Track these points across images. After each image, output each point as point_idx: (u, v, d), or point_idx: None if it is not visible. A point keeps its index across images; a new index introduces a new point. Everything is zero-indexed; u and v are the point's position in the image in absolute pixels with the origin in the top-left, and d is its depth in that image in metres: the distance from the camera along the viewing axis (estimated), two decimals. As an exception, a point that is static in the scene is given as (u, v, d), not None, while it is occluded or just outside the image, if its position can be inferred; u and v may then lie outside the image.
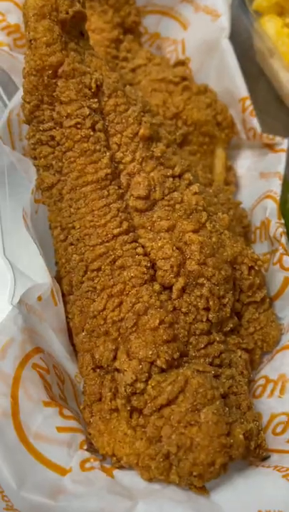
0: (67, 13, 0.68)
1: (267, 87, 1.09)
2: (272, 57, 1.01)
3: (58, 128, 0.71)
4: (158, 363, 0.60)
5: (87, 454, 0.60)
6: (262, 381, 0.73)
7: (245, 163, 0.97)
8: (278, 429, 0.68)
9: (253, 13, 1.03)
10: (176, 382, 0.59)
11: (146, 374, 0.60)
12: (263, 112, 1.01)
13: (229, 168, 0.95)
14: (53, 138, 0.72)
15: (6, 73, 0.88)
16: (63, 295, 0.73)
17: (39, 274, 0.75)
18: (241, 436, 0.56)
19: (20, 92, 0.73)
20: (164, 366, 0.60)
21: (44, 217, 0.79)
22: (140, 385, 0.59)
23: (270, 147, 0.92)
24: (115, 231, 0.67)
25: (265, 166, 0.92)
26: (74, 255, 0.70)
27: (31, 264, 0.76)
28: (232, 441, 0.55)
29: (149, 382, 0.59)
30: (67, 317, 0.73)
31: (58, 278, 0.75)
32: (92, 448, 0.63)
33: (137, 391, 0.60)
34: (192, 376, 0.59)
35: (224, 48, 0.93)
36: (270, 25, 1.00)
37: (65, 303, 0.73)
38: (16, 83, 0.89)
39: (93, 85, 0.70)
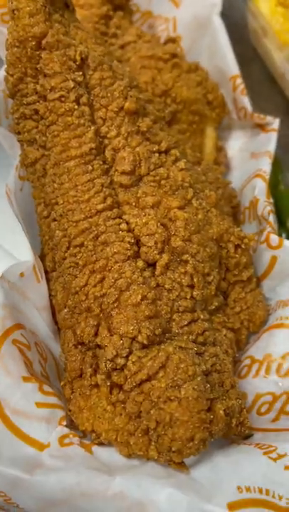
0: None
1: (260, 68, 1.08)
2: (265, 36, 0.99)
3: (41, 101, 0.69)
4: (139, 338, 0.59)
5: (66, 430, 0.59)
6: (247, 361, 0.72)
7: (236, 144, 0.96)
8: (263, 409, 0.67)
9: (247, -9, 1.01)
10: (156, 357, 0.58)
11: (127, 350, 0.59)
12: (256, 93, 1.00)
13: (220, 149, 0.94)
14: (36, 112, 0.70)
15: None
16: (46, 272, 0.72)
17: (23, 252, 0.74)
18: (222, 412, 0.55)
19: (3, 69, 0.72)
20: (145, 342, 0.59)
21: (29, 195, 0.78)
22: (121, 361, 0.58)
23: (262, 127, 0.91)
24: (99, 206, 0.66)
25: (256, 147, 0.90)
26: (57, 231, 0.68)
27: (15, 242, 0.75)
28: (212, 416, 0.54)
29: (130, 358, 0.58)
30: (50, 294, 0.71)
31: (42, 256, 0.74)
32: (72, 425, 0.62)
33: (118, 367, 0.59)
34: (174, 352, 0.58)
35: (215, 24, 0.92)
36: (263, 4, 0.98)
37: (48, 280, 0.72)
38: (2, 58, 0.87)
39: (78, 58, 0.68)
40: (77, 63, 0.69)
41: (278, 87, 1.05)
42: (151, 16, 1.03)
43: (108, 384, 0.59)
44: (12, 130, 0.79)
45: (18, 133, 0.73)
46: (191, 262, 0.65)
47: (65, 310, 0.66)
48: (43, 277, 0.71)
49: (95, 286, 0.63)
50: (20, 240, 0.72)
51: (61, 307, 0.67)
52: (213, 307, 0.69)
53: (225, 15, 0.98)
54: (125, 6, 0.95)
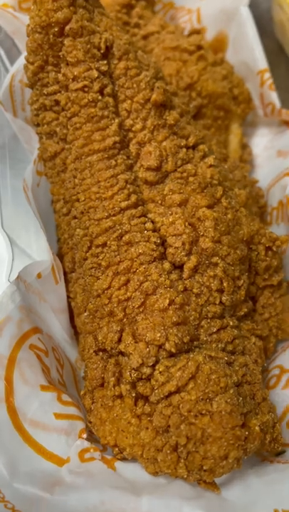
0: None
1: (286, 63, 1.03)
2: (292, 30, 0.95)
3: (63, 92, 0.65)
4: (166, 346, 0.55)
5: (86, 444, 0.55)
6: (276, 371, 0.68)
7: (262, 142, 0.92)
8: (294, 422, 0.63)
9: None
10: (186, 367, 0.53)
11: (154, 358, 0.55)
12: (283, 89, 0.95)
13: (244, 146, 0.90)
14: (57, 103, 0.66)
15: (10, 37, 0.83)
16: (65, 273, 0.68)
17: (40, 250, 0.70)
18: (258, 428, 0.50)
19: (24, 57, 0.68)
20: (173, 350, 0.55)
21: (46, 191, 0.74)
22: (147, 370, 0.54)
23: (289, 124, 0.87)
24: (123, 204, 0.62)
25: (283, 144, 0.86)
26: (78, 230, 0.64)
27: (31, 239, 0.71)
28: (247, 433, 0.50)
29: (157, 367, 0.54)
30: (68, 297, 0.67)
31: (60, 255, 0.70)
32: (92, 437, 0.58)
33: (143, 376, 0.55)
34: (204, 362, 0.54)
35: (243, 16, 0.87)
36: (291, -4, 0.94)
37: (66, 281, 0.68)
38: (20, 48, 0.83)
39: (102, 46, 0.64)
40: (102, 51, 0.64)
41: (305, 83, 1.01)
42: (172, 6, 0.98)
43: (133, 395, 0.55)
44: (30, 122, 0.75)
45: (38, 125, 0.69)
46: (220, 264, 0.61)
47: (86, 314, 0.62)
48: (61, 278, 0.67)
49: (118, 289, 0.59)
50: (36, 236, 0.68)
51: (81, 310, 0.63)
52: (242, 313, 0.65)
53: (250, 7, 0.94)
54: (148, -4, 0.91)
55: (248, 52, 0.86)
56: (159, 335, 0.55)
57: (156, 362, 0.55)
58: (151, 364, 0.54)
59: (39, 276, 0.64)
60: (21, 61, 0.77)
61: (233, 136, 0.86)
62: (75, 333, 0.70)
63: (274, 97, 0.85)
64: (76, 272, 0.65)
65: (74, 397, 0.62)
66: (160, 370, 0.54)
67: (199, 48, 0.83)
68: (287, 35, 0.98)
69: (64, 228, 0.68)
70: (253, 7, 0.97)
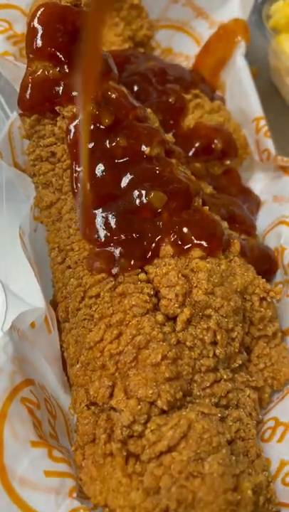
0: None
1: (282, 108, 1.05)
2: (288, 75, 0.97)
3: (59, 143, 0.67)
4: (159, 403, 0.54)
5: (76, 503, 0.54)
6: (271, 423, 0.67)
7: (258, 186, 0.92)
8: (288, 479, 0.62)
9: (271, 30, 0.99)
10: (178, 426, 0.53)
11: (146, 415, 0.54)
12: (278, 134, 0.96)
13: (243, 191, 0.90)
14: (53, 154, 0.68)
15: (10, 84, 0.84)
16: (58, 322, 0.68)
17: (34, 297, 0.70)
18: (250, 492, 0.49)
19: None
20: (165, 407, 0.54)
21: (43, 237, 0.74)
22: (138, 428, 0.53)
23: (285, 170, 0.87)
24: (117, 255, 0.62)
25: (278, 190, 0.87)
26: (71, 279, 0.64)
27: (26, 286, 0.70)
28: (239, 497, 0.49)
29: (148, 425, 0.54)
30: (61, 346, 0.67)
31: (55, 303, 0.70)
32: (83, 495, 0.57)
33: (135, 434, 0.54)
34: (196, 420, 0.54)
35: (239, 65, 0.89)
36: (287, 44, 0.96)
37: (60, 330, 0.68)
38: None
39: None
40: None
41: (300, 127, 1.02)
42: (171, 52, 1.01)
43: (124, 453, 0.54)
44: (28, 169, 0.76)
45: (34, 175, 0.70)
46: (214, 317, 0.61)
47: (78, 365, 0.62)
48: (54, 328, 0.66)
49: (111, 342, 0.58)
50: (31, 284, 0.68)
51: (73, 362, 0.63)
52: (237, 365, 0.64)
53: (246, 54, 0.96)
54: (146, 43, 0.93)
55: (244, 99, 0.88)
56: (151, 391, 0.54)
57: (148, 419, 0.54)
58: (142, 421, 0.54)
59: (32, 325, 0.64)
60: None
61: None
62: (68, 381, 0.70)
63: (269, 144, 0.86)
64: (69, 322, 0.65)
65: (65, 448, 0.61)
66: (152, 428, 0.53)
67: (196, 96, 0.85)
68: (283, 82, 1.00)
69: (58, 277, 0.68)
70: (250, 53, 0.99)
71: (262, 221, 0.87)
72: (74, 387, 0.62)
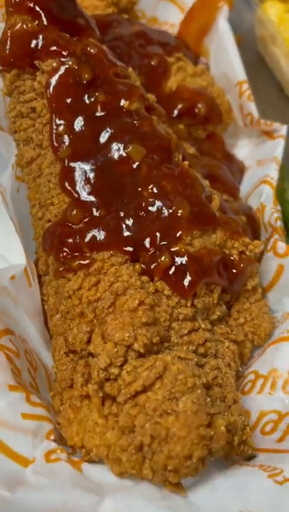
0: None
1: (267, 77, 1.05)
2: (274, 44, 0.97)
3: (39, 99, 0.67)
4: (135, 346, 0.55)
5: (53, 445, 0.54)
6: (251, 376, 0.67)
7: (242, 152, 0.93)
8: (267, 428, 0.62)
9: (256, -1, 1.00)
10: (153, 367, 0.53)
11: (122, 358, 0.54)
12: (263, 103, 0.97)
13: (227, 157, 0.91)
14: (33, 109, 0.68)
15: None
16: (39, 277, 0.69)
17: (15, 255, 0.70)
18: (223, 428, 0.50)
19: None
20: (141, 350, 0.54)
21: (25, 197, 0.75)
22: (114, 370, 0.54)
23: (268, 134, 0.88)
24: (96, 207, 0.62)
25: (262, 154, 0.87)
26: (51, 233, 0.65)
27: (9, 245, 0.71)
28: (212, 433, 0.49)
29: (125, 367, 0.54)
30: (42, 300, 0.68)
31: (37, 260, 0.70)
32: (61, 441, 0.57)
33: (111, 377, 0.54)
34: (172, 362, 0.54)
35: (222, 29, 0.89)
36: (272, 11, 0.96)
37: (41, 285, 0.68)
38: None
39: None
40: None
41: (285, 96, 1.02)
42: (156, 21, 1.01)
43: (100, 395, 0.54)
44: (10, 128, 0.76)
45: (15, 132, 0.70)
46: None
47: (58, 316, 0.62)
48: (35, 281, 0.67)
49: (89, 289, 0.59)
50: (12, 241, 0.69)
51: (53, 312, 0.63)
52: (216, 317, 0.65)
53: (232, 24, 0.97)
54: (130, 11, 0.93)
55: (227, 63, 0.88)
56: (127, 335, 0.55)
57: (125, 362, 0.54)
58: (119, 364, 0.54)
59: (12, 278, 0.64)
60: None
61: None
62: (51, 337, 0.70)
63: (252, 107, 0.86)
64: (49, 275, 0.65)
65: (46, 401, 0.62)
66: (128, 370, 0.54)
67: (178, 59, 0.85)
68: (268, 50, 1.00)
69: (39, 232, 0.68)
70: (236, 24, 1.00)
71: (246, 186, 0.87)
72: (54, 337, 0.63)
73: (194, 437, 0.48)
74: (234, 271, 0.68)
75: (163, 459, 0.49)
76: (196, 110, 0.84)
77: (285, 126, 0.85)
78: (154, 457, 0.49)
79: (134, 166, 0.65)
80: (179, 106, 0.81)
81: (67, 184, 0.64)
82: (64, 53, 0.65)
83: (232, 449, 0.54)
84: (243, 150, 0.93)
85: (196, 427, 0.49)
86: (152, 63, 0.83)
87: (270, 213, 0.73)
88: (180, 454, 0.48)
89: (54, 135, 0.66)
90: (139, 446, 0.50)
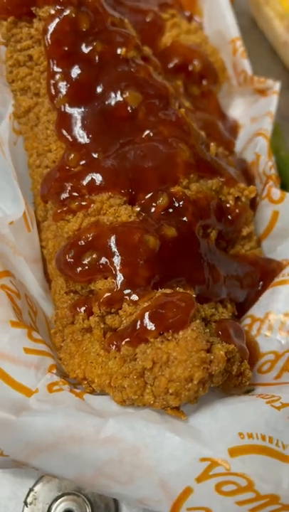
0: None
1: (260, 39, 1.06)
2: (267, 5, 0.98)
3: (36, 46, 0.67)
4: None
5: (55, 378, 0.55)
6: (248, 320, 0.69)
7: (237, 112, 0.93)
8: (265, 368, 0.64)
9: None
10: (154, 299, 0.54)
11: (123, 292, 0.55)
12: (256, 65, 0.98)
13: (222, 116, 0.91)
14: (30, 58, 0.68)
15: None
16: (38, 224, 0.69)
17: (13, 202, 0.71)
18: (222, 353, 0.51)
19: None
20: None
21: (23, 151, 0.75)
22: (116, 304, 0.55)
23: (262, 92, 0.88)
24: (94, 151, 0.63)
25: (256, 111, 0.88)
26: (50, 178, 0.65)
27: (6, 191, 0.71)
28: (212, 357, 0.50)
29: (126, 300, 0.55)
30: (41, 246, 0.68)
31: (35, 208, 0.71)
32: (63, 377, 0.58)
33: (112, 310, 0.55)
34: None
35: (215, -14, 0.90)
36: (265, -28, 0.97)
37: (39, 232, 0.69)
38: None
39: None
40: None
41: (278, 58, 1.03)
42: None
43: (102, 326, 0.55)
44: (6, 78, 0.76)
45: (12, 81, 0.71)
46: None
47: (57, 258, 0.63)
48: (34, 226, 0.67)
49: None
50: (10, 188, 0.69)
51: (52, 256, 0.64)
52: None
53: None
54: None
55: (221, 21, 0.89)
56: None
57: (126, 295, 0.56)
58: (120, 297, 0.55)
59: (11, 223, 0.65)
60: None
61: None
62: (50, 287, 0.71)
63: (246, 64, 0.87)
64: (48, 220, 0.66)
65: (47, 344, 0.63)
66: (128, 302, 0.55)
67: (173, 16, 0.85)
68: (261, 11, 1.01)
69: (37, 180, 0.69)
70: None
71: (240, 143, 0.88)
72: (53, 280, 0.64)
73: (195, 360, 0.49)
74: (229, 217, 0.69)
75: (164, 383, 0.50)
76: (191, 67, 0.84)
77: (278, 83, 0.86)
78: (156, 382, 0.50)
79: (131, 111, 0.65)
80: (175, 61, 0.82)
81: (64, 131, 0.65)
82: (61, 0, 0.65)
83: (230, 379, 0.55)
84: (237, 110, 0.94)
85: (196, 351, 0.50)
86: (147, 19, 0.83)
87: (265, 162, 0.74)
88: (181, 376, 0.49)
89: (51, 82, 0.66)
90: (141, 372, 0.51)
